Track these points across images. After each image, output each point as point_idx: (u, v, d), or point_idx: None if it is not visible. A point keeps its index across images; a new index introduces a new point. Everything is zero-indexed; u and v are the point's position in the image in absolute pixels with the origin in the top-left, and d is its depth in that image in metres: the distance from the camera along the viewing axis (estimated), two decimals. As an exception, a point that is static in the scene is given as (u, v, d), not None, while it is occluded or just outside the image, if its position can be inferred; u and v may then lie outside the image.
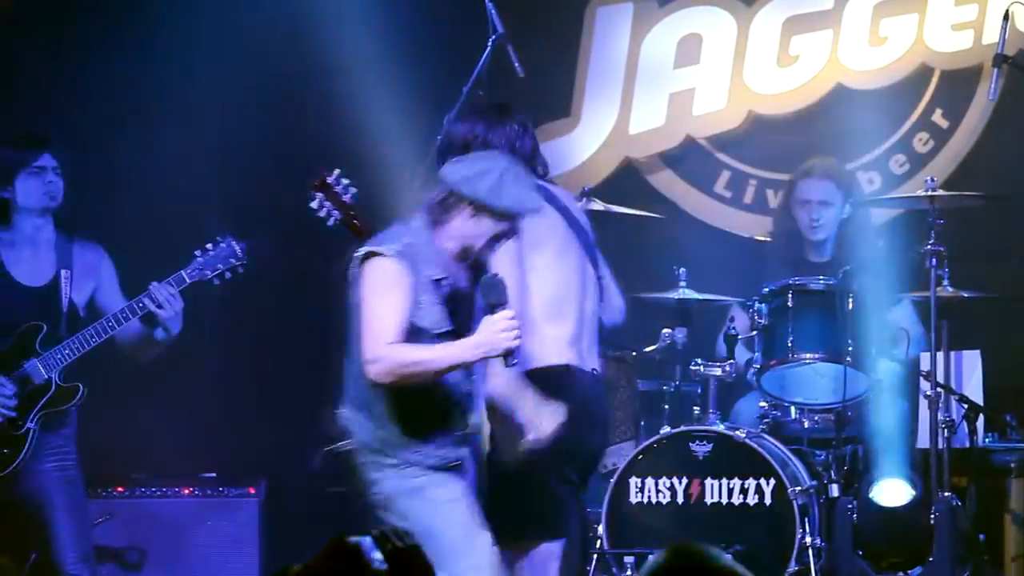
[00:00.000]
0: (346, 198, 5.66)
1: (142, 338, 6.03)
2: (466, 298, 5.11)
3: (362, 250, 5.02)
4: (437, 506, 4.98)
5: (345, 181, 5.69)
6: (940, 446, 6.76)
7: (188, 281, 5.94)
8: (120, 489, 7.36)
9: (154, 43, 8.24)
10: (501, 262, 5.27)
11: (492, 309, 4.97)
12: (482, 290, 5.01)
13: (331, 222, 5.66)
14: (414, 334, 4.99)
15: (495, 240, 5.00)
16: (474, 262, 5.11)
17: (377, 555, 3.44)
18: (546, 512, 5.35)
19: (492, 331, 4.89)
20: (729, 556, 3.28)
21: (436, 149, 5.67)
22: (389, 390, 5.01)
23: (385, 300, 4.94)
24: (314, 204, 5.67)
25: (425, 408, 5.06)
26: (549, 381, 5.35)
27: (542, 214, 5.39)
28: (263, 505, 7.48)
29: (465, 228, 4.98)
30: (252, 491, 7.47)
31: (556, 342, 5.44)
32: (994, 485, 7.05)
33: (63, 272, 6.03)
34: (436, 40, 8.22)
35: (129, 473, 7.48)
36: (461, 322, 5.07)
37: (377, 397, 5.05)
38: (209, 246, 6.00)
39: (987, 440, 7.10)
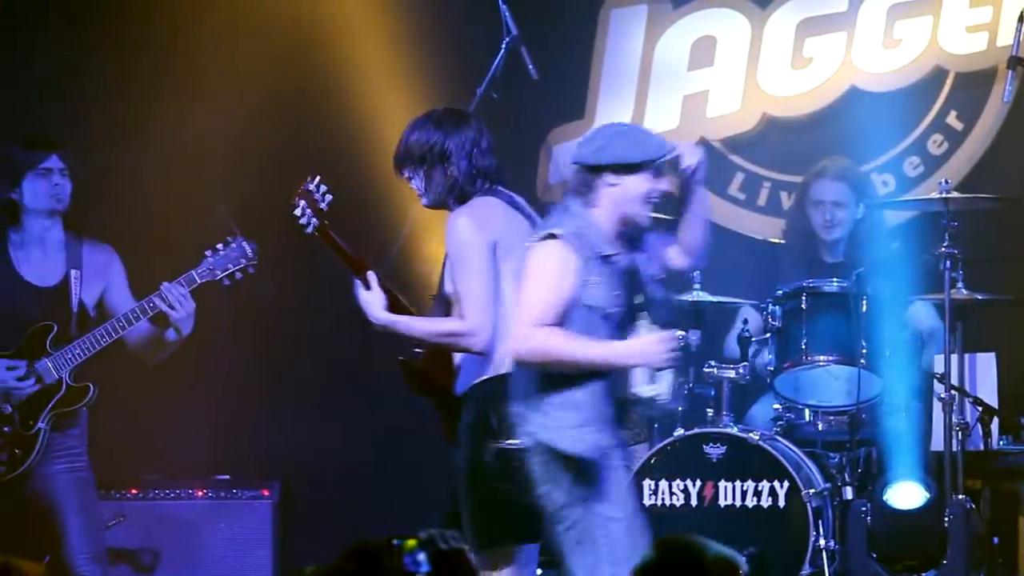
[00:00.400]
0: (322, 206, 5.67)
1: (152, 338, 6.03)
2: (635, 273, 5.17)
3: (541, 232, 5.11)
4: (600, 520, 5.03)
5: (323, 188, 5.70)
6: (954, 449, 6.77)
7: (199, 281, 5.93)
8: (134, 491, 7.38)
9: (165, 43, 8.26)
10: (472, 268, 5.32)
11: (662, 326, 5.03)
12: (652, 307, 5.08)
13: (309, 230, 5.66)
14: (585, 313, 5.05)
15: (647, 200, 5.04)
16: (637, 234, 5.15)
17: (421, 557, 3.51)
18: (519, 516, 5.35)
19: (651, 345, 4.95)
20: (719, 546, 3.29)
21: (394, 158, 5.66)
22: (547, 381, 5.05)
23: (544, 281, 5.02)
24: (297, 212, 5.69)
25: (580, 398, 5.06)
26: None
27: (515, 221, 5.44)
28: (276, 507, 7.49)
29: (613, 196, 5.05)
30: (266, 493, 7.48)
31: None
32: (1008, 488, 7.06)
33: (73, 272, 6.03)
34: (450, 42, 8.24)
35: (142, 475, 7.49)
36: (632, 297, 5.14)
37: (535, 388, 5.09)
38: (220, 246, 5.99)
39: (1001, 443, 7.12)
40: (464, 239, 5.40)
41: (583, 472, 5.02)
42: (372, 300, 5.41)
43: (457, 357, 5.46)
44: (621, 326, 5.08)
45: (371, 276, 5.54)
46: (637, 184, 5.05)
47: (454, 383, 5.46)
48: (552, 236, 4.99)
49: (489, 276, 5.39)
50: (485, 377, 5.36)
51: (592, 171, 5.08)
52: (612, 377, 5.08)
